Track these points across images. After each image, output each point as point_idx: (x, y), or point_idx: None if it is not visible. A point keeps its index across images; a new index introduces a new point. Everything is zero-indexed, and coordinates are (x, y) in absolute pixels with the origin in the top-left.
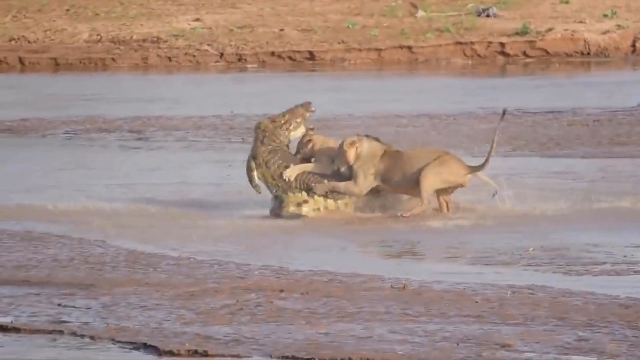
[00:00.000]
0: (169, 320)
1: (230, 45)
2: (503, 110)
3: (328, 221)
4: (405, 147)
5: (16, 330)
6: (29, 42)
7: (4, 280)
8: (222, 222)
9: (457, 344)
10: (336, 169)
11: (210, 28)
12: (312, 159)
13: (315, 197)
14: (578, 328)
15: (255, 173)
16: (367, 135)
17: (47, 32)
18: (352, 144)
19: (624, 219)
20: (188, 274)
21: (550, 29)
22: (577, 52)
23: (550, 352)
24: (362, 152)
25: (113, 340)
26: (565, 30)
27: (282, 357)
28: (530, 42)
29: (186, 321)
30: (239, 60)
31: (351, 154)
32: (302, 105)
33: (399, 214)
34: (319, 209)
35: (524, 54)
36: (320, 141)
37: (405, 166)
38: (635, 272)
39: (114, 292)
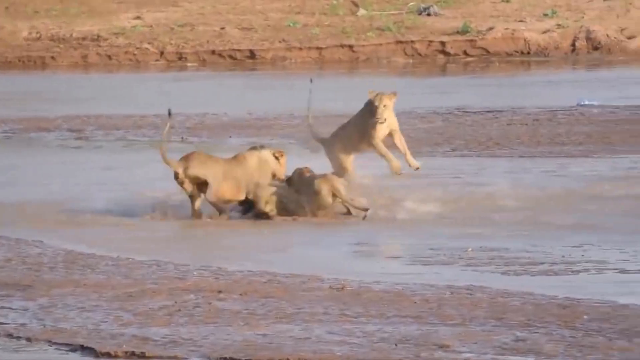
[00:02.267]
0: (107, 321)
1: (171, 44)
2: (168, 110)
3: (267, 223)
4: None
5: None
6: None
7: None
8: (161, 222)
9: (396, 345)
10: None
11: (151, 26)
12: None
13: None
14: (516, 328)
15: None
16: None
17: None
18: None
19: (562, 219)
20: (126, 275)
21: (490, 28)
22: (517, 52)
23: (488, 352)
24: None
25: (50, 342)
26: (506, 29)
27: (221, 358)
28: (471, 41)
29: (124, 322)
30: (180, 58)
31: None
32: None
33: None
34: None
35: (465, 53)
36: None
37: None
38: (573, 272)
39: (51, 294)
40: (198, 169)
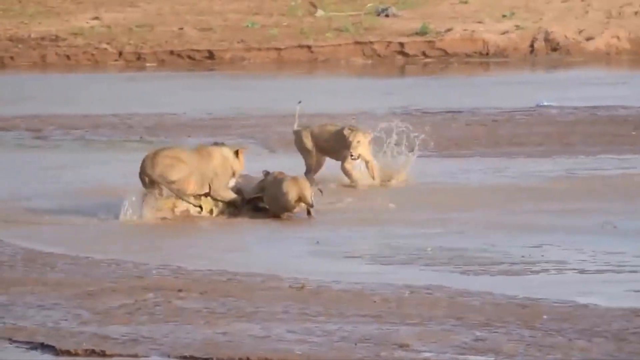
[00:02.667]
0: (66, 319)
1: (129, 44)
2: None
3: (226, 221)
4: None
5: None
6: None
7: None
8: (120, 221)
9: (356, 344)
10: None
11: (109, 27)
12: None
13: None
14: (475, 328)
15: None
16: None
17: None
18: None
19: (521, 219)
20: (85, 274)
21: (449, 29)
22: (476, 53)
23: (447, 352)
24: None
25: (10, 339)
26: (465, 30)
27: (181, 357)
28: (430, 42)
29: (84, 321)
30: (138, 59)
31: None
32: None
33: None
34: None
35: (424, 54)
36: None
37: None
38: (533, 272)
39: (10, 292)
40: (165, 171)
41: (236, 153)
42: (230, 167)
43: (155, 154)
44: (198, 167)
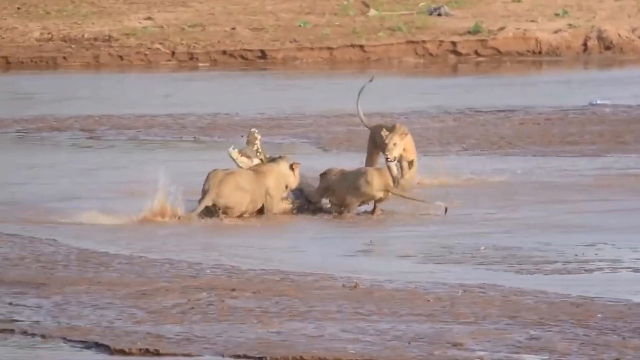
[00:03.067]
0: (121, 319)
1: (182, 44)
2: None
3: (279, 221)
4: (359, 146)
5: None
6: None
7: None
8: (174, 221)
9: (409, 343)
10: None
11: (162, 27)
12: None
13: None
14: (529, 327)
15: None
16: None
17: None
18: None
19: (575, 218)
20: (140, 273)
21: (502, 28)
22: (528, 51)
23: (501, 350)
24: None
25: (64, 339)
26: (517, 29)
27: (234, 356)
28: (482, 41)
29: (138, 320)
30: (191, 59)
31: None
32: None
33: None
34: None
35: (476, 53)
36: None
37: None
38: (586, 270)
39: (65, 291)
40: (227, 200)
41: (291, 167)
42: (284, 183)
43: (221, 182)
44: (255, 190)
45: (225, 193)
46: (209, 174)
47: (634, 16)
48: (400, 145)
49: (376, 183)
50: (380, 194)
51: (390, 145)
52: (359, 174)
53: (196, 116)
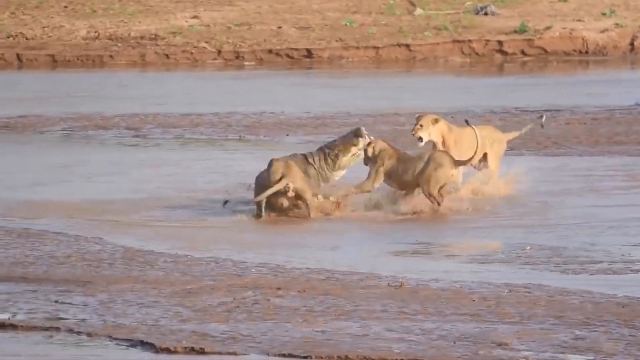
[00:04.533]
0: (166, 317)
1: (228, 43)
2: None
3: (325, 220)
4: (404, 145)
5: (13, 327)
6: (26, 39)
7: (1, 277)
8: (219, 219)
9: (454, 342)
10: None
11: (208, 25)
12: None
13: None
14: (575, 327)
15: None
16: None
17: (45, 29)
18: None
19: (622, 218)
20: (185, 272)
21: (548, 28)
22: (575, 51)
23: (547, 350)
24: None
25: (110, 337)
26: (564, 28)
27: (279, 354)
28: (529, 40)
29: (183, 318)
30: (237, 57)
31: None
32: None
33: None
34: None
35: (522, 52)
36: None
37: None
38: (633, 271)
39: (110, 289)
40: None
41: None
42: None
43: (289, 166)
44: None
45: (298, 177)
46: (272, 161)
47: None
48: (428, 129)
49: (447, 163)
50: (454, 172)
51: (417, 126)
52: (427, 160)
53: (242, 115)
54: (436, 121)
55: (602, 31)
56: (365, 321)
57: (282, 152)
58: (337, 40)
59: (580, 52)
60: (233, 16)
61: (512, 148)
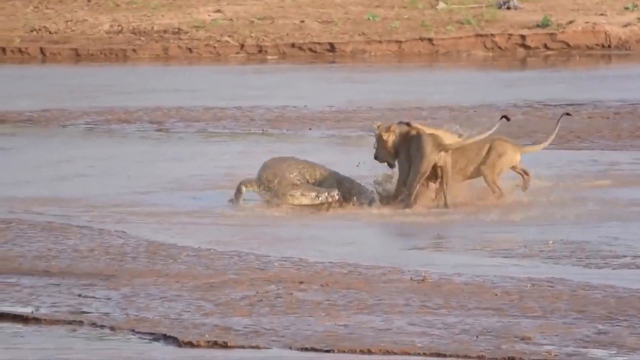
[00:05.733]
0: (189, 311)
1: (251, 37)
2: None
3: (348, 213)
4: None
5: (36, 320)
6: (50, 32)
7: (24, 270)
8: (242, 213)
9: (477, 337)
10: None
11: (231, 19)
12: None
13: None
14: (597, 321)
15: None
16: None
17: (69, 23)
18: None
19: None
20: (208, 266)
21: (571, 22)
22: (598, 45)
23: (569, 345)
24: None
25: (133, 331)
26: (586, 22)
27: (302, 348)
28: (551, 34)
29: (206, 312)
30: (260, 51)
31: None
32: None
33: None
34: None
35: (545, 46)
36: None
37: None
38: None
39: (134, 283)
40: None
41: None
42: None
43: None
44: None
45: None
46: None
47: None
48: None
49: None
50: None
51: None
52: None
53: (265, 109)
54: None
55: (625, 25)
56: (387, 315)
57: (306, 146)
58: (359, 35)
59: (603, 46)
60: (256, 10)
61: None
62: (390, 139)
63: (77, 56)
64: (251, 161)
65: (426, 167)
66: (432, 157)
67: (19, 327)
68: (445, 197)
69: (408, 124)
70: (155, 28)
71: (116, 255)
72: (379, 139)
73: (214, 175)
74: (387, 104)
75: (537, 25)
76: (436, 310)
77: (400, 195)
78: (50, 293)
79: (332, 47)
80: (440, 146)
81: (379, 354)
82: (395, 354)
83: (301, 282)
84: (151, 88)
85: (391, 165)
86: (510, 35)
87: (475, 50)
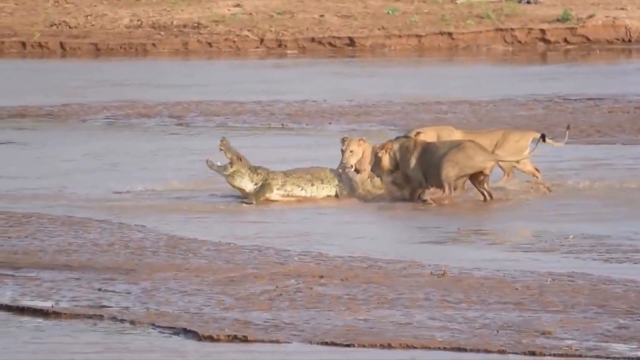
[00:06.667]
0: (209, 305)
1: (270, 31)
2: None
3: (367, 208)
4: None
5: (57, 314)
6: (70, 27)
7: (45, 264)
8: (262, 208)
9: (497, 331)
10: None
11: (251, 14)
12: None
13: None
14: (618, 315)
15: None
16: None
17: (88, 18)
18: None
19: None
20: (228, 260)
21: (591, 16)
22: (618, 39)
23: (590, 339)
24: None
25: (153, 325)
26: (607, 17)
27: (322, 342)
28: (571, 28)
29: (226, 307)
30: (279, 46)
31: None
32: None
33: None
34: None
35: (565, 40)
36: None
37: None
38: None
39: (154, 277)
40: None
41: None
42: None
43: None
44: None
45: None
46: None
47: None
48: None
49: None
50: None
51: (347, 153)
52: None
53: (284, 103)
54: (418, 134)
55: None
56: (408, 309)
57: (325, 140)
58: (379, 29)
59: (623, 40)
60: (275, 4)
61: (555, 137)
62: (386, 157)
63: (97, 51)
64: (271, 156)
65: (465, 172)
66: (479, 165)
67: (39, 321)
68: (485, 193)
69: (406, 136)
70: (175, 22)
71: (136, 250)
72: (375, 156)
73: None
74: (407, 99)
75: (557, 20)
76: (456, 305)
77: (416, 194)
78: (70, 287)
79: (351, 42)
80: (491, 156)
81: (399, 348)
82: (415, 348)
83: (321, 277)
84: (171, 82)
85: (381, 178)
86: (530, 29)
87: (495, 44)
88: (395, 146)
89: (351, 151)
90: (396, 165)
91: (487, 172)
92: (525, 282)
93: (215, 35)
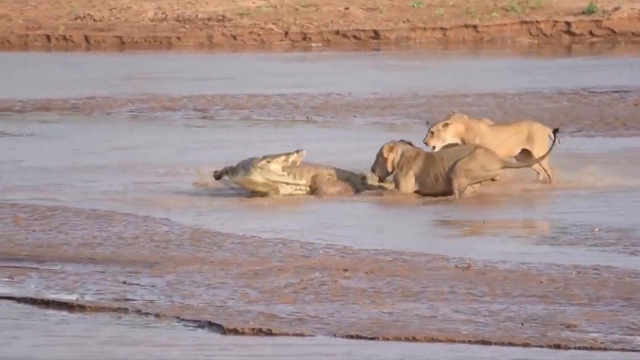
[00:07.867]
0: (233, 298)
1: (295, 24)
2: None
3: (392, 201)
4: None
5: (81, 308)
6: (94, 20)
7: (69, 258)
8: (287, 201)
9: (522, 324)
10: None
11: (275, 7)
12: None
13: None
14: None
15: None
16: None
17: (113, 11)
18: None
19: None
20: (252, 253)
21: (616, 8)
22: None
23: (615, 332)
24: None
25: (178, 318)
26: (632, 9)
27: (346, 336)
28: (597, 21)
29: (250, 300)
30: (304, 39)
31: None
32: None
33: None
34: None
35: (590, 33)
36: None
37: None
38: None
39: (178, 271)
40: None
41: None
42: None
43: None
44: None
45: None
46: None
47: None
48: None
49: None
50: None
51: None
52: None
53: (309, 96)
54: (446, 125)
55: None
56: (432, 302)
57: (350, 133)
58: (404, 22)
59: None
60: None
61: (581, 130)
62: (391, 157)
63: (122, 44)
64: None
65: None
66: (492, 173)
67: (64, 314)
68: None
69: (410, 143)
70: (200, 15)
71: (161, 243)
72: (381, 155)
73: None
74: (432, 91)
75: (583, 12)
76: (481, 298)
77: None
78: (95, 280)
79: (376, 35)
80: (502, 163)
81: (424, 342)
82: (440, 341)
83: (346, 270)
84: (195, 76)
85: (381, 180)
86: (556, 22)
87: (520, 37)
88: (400, 150)
89: (432, 132)
90: (393, 168)
91: (497, 179)
92: (550, 275)
93: (240, 28)
